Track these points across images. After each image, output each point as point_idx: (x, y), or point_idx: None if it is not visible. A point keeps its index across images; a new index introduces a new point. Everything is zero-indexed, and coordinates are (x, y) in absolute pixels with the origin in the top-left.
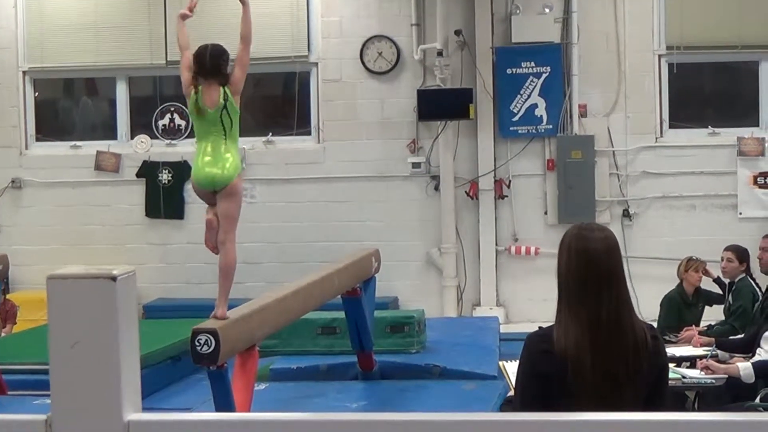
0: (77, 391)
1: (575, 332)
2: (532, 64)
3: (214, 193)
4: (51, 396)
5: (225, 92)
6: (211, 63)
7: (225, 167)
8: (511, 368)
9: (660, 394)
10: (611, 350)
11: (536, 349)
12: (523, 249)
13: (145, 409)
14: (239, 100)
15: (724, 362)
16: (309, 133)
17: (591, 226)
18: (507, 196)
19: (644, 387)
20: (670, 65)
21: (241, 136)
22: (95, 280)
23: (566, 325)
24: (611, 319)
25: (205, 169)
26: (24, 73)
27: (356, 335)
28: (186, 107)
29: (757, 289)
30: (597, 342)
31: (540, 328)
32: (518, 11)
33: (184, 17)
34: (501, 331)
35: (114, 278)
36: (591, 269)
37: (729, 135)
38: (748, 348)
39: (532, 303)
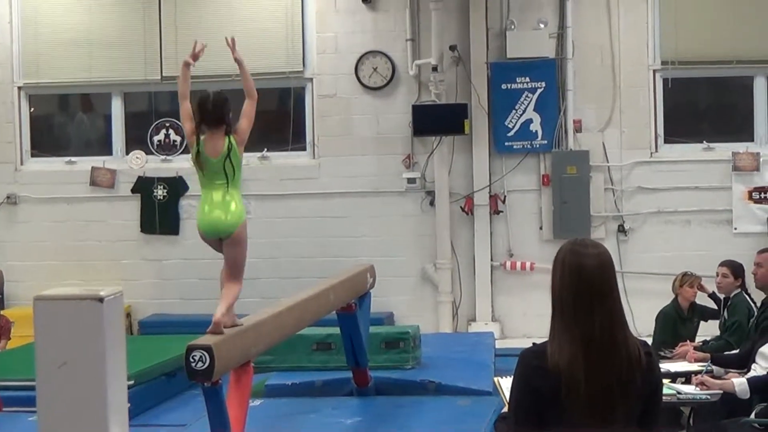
0: (64, 411)
1: (568, 348)
2: (527, 79)
3: (220, 240)
4: (38, 416)
5: (230, 141)
6: (214, 112)
7: (228, 215)
8: (506, 384)
9: (653, 411)
10: (604, 367)
11: (530, 365)
12: (518, 264)
13: (140, 425)
14: (242, 149)
15: (719, 378)
16: (304, 149)
17: (585, 242)
18: (502, 212)
19: (637, 404)
20: (665, 80)
21: None
22: (82, 302)
23: (560, 341)
24: (604, 335)
25: (209, 217)
26: (19, 88)
27: (351, 351)
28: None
29: (753, 305)
30: (590, 358)
31: (534, 344)
32: (513, 26)
33: (187, 66)
34: (496, 346)
35: (101, 299)
36: (584, 285)
37: (724, 150)
38: (743, 363)
39: (528, 318)
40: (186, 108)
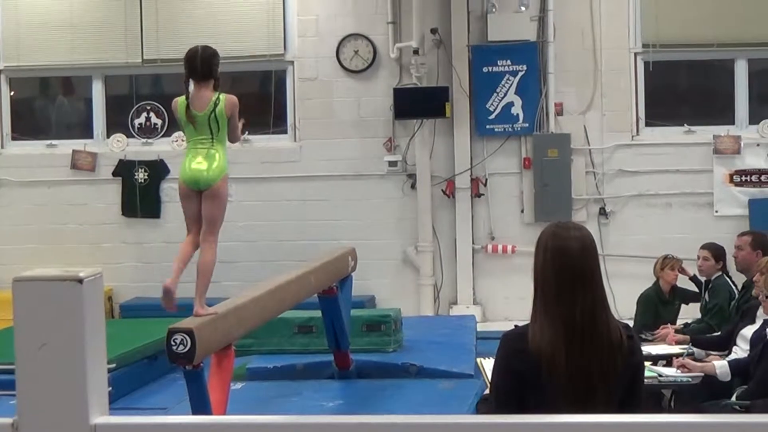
0: (44, 394)
1: (550, 331)
2: (509, 62)
3: (198, 193)
4: (17, 399)
5: (218, 98)
6: (202, 66)
7: (210, 169)
8: (489, 365)
9: (635, 394)
10: (586, 350)
11: (511, 348)
12: (499, 247)
13: (121, 408)
14: (230, 113)
15: (700, 360)
16: (285, 132)
17: (567, 225)
18: (483, 195)
19: (619, 387)
20: (646, 63)
21: None
22: (62, 283)
23: (541, 324)
24: (586, 318)
25: (192, 168)
26: (0, 71)
27: (333, 334)
28: (162, 106)
29: (734, 287)
30: (572, 341)
31: (516, 326)
32: (494, 9)
33: None
34: (478, 329)
35: (80, 280)
36: (566, 268)
37: (705, 133)
38: (723, 346)
39: (509, 301)
40: None
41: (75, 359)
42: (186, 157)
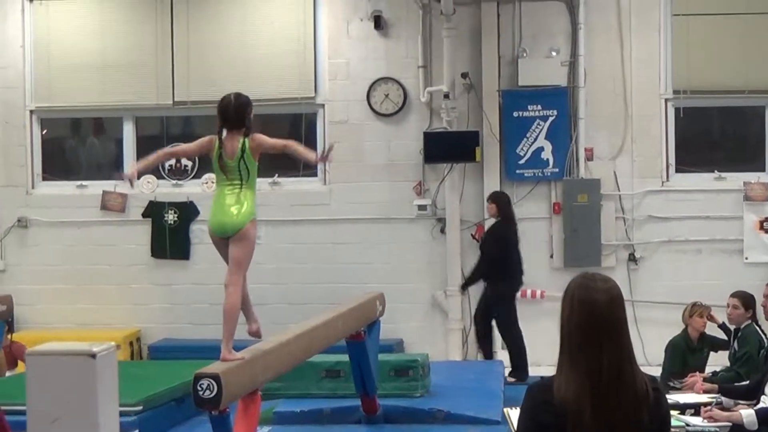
0: None
1: (575, 383)
2: (539, 107)
3: (226, 239)
4: None
5: (244, 142)
6: (235, 115)
7: (237, 213)
8: (515, 415)
9: None
10: (611, 402)
11: (536, 400)
12: (528, 292)
13: None
14: (257, 156)
15: (728, 410)
16: (315, 175)
17: (594, 276)
18: None
19: None
20: (677, 109)
21: None
22: (75, 357)
23: (567, 376)
24: (612, 371)
25: (220, 214)
26: (31, 112)
27: (360, 379)
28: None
29: (763, 336)
30: (597, 394)
31: (542, 377)
32: (525, 54)
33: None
34: (506, 375)
35: (93, 355)
36: (593, 320)
37: (735, 179)
38: (752, 395)
39: (538, 346)
40: (184, 149)
41: None
42: (214, 203)
